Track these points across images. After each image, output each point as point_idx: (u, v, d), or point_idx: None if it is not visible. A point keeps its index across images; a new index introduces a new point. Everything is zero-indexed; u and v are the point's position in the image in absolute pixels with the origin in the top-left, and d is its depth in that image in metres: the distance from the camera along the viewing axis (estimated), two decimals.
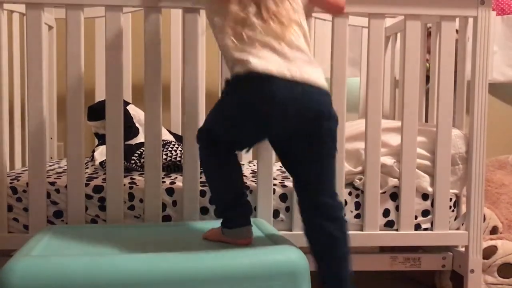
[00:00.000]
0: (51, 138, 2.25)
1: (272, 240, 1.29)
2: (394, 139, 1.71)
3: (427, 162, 1.70)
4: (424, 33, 1.96)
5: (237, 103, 1.19)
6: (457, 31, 1.72)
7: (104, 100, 1.60)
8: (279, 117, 1.16)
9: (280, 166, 2.14)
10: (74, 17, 1.54)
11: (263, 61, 1.14)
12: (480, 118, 1.66)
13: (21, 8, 1.80)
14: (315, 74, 1.19)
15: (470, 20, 1.68)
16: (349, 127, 1.75)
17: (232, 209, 1.28)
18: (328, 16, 1.72)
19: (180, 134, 2.13)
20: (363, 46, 2.28)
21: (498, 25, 2.54)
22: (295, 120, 1.17)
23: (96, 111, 1.89)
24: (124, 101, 1.68)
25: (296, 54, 1.18)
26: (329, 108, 1.21)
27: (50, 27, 2.24)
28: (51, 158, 2.27)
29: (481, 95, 1.66)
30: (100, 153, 1.84)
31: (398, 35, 2.20)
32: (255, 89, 1.15)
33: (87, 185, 1.60)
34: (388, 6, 1.62)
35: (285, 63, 1.15)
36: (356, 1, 1.60)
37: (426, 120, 2.01)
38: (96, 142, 2.05)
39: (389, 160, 1.69)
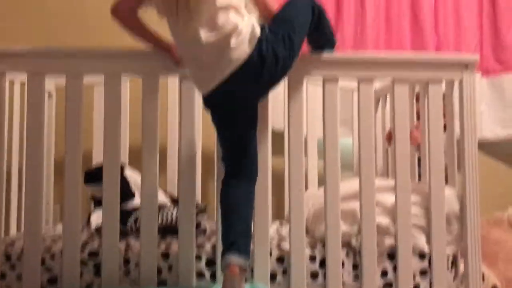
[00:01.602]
0: (47, 203, 2.25)
1: None
2: (388, 199, 1.72)
3: (422, 222, 1.70)
4: (412, 95, 2.03)
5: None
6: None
7: (101, 164, 1.62)
8: None
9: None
10: (74, 85, 1.60)
11: None
12: (472, 175, 1.69)
13: (22, 76, 1.86)
14: None
15: (456, 82, 1.75)
16: (343, 187, 1.77)
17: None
18: (320, 80, 1.77)
19: (176, 195, 2.13)
20: (354, 107, 2.34)
21: (484, 85, 2.62)
22: None
23: (93, 175, 1.90)
24: (121, 164, 1.70)
25: None
26: None
27: (49, 95, 2.29)
28: (47, 222, 2.25)
29: (471, 153, 1.70)
30: (97, 217, 1.83)
31: (388, 96, 2.27)
32: None
33: (82, 250, 1.59)
34: (377, 70, 1.69)
35: None
36: (346, 65, 1.67)
37: (419, 179, 2.03)
38: (93, 205, 2.05)
39: (384, 220, 1.69)
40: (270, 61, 1.40)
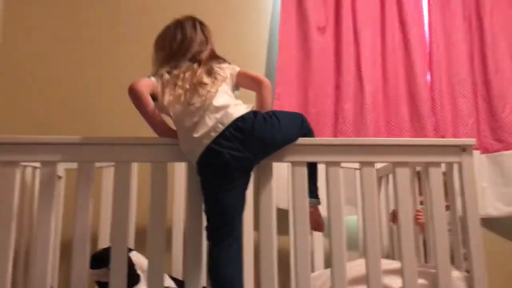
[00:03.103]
0: (51, 287, 2.22)
1: None
2: (395, 282, 1.71)
3: None
4: (413, 176, 2.07)
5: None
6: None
7: (107, 248, 1.64)
8: None
9: None
10: (85, 172, 1.65)
11: None
12: (477, 256, 1.69)
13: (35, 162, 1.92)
14: None
15: (455, 165, 1.79)
16: (350, 268, 1.77)
17: None
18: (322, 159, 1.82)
19: (181, 278, 2.12)
20: (357, 186, 2.37)
21: (484, 163, 2.65)
22: None
23: (99, 259, 1.90)
24: (127, 248, 1.71)
25: None
26: None
27: (59, 177, 2.35)
28: None
29: (474, 233, 1.71)
30: None
31: (390, 176, 2.31)
32: None
33: None
34: (377, 155, 1.74)
35: None
36: (348, 151, 1.73)
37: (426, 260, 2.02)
38: None
39: None
40: (261, 119, 1.61)
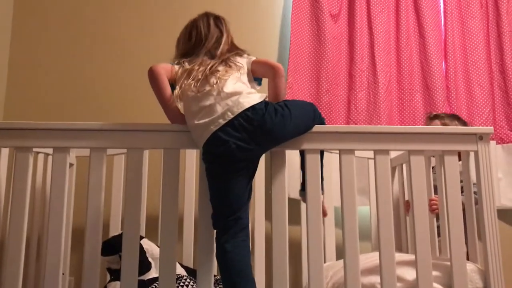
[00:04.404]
0: (63, 274, 2.23)
1: None
2: (409, 274, 1.69)
3: None
4: (428, 165, 2.03)
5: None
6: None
7: (118, 235, 1.63)
8: None
9: None
10: (98, 158, 1.65)
11: None
12: (493, 247, 1.65)
13: (47, 149, 1.92)
14: None
15: (472, 154, 1.76)
16: (364, 259, 1.74)
17: None
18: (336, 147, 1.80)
19: (192, 267, 2.12)
20: (370, 176, 2.35)
21: (500, 153, 2.61)
22: None
23: (111, 246, 1.90)
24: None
25: None
26: None
27: (70, 164, 2.35)
28: None
29: (491, 224, 1.67)
30: None
31: (404, 165, 2.28)
32: None
33: None
34: (392, 143, 1.71)
35: None
36: (362, 138, 1.70)
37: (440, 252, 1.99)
38: (108, 277, 2.03)
39: None
40: (272, 110, 1.58)
